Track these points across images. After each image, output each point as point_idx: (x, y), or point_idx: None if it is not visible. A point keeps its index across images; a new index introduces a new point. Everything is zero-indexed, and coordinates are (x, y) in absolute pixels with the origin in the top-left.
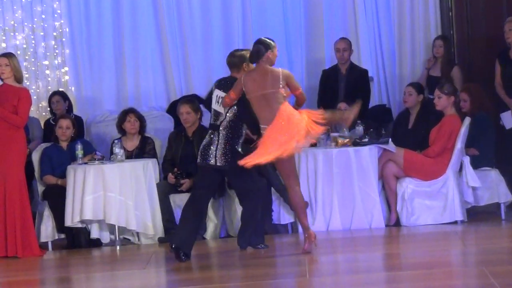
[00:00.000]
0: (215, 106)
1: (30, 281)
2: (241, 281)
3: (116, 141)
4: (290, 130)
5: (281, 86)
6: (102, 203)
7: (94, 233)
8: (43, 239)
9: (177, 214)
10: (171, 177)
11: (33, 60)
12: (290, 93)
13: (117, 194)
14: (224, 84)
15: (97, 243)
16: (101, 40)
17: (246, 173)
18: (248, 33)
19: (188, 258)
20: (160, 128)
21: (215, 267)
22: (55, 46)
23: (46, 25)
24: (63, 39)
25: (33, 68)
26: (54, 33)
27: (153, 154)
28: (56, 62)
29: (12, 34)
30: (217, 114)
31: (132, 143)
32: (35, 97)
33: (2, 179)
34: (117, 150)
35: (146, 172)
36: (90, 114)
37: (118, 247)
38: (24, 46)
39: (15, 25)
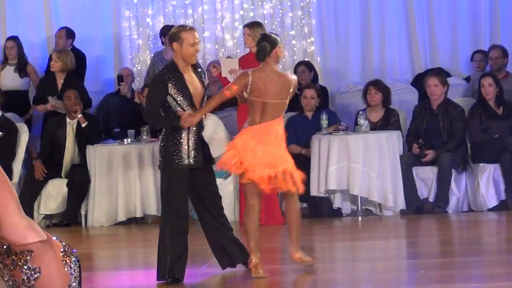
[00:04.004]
0: None
1: (273, 248)
2: (488, 255)
3: (361, 112)
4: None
5: (289, 97)
6: (346, 173)
7: (337, 203)
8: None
9: (420, 187)
10: (415, 147)
11: (279, 29)
12: None
13: (360, 165)
14: None
15: (339, 213)
16: (348, 11)
17: (167, 180)
18: (495, 4)
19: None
20: (404, 100)
21: (456, 241)
22: (302, 16)
23: None
24: (310, 10)
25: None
26: (302, 4)
27: (397, 126)
28: (302, 32)
29: (260, 3)
30: None
31: (377, 114)
32: (280, 66)
33: None
34: (361, 121)
35: (390, 144)
36: (334, 84)
37: (359, 218)
38: (271, 15)
39: None
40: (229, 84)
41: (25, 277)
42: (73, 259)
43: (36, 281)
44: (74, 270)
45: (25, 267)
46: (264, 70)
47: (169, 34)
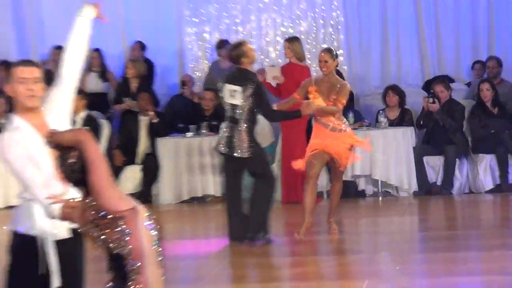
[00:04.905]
0: (229, 99)
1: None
2: (485, 229)
3: (381, 111)
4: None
5: None
6: (368, 161)
7: (361, 186)
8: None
9: (429, 173)
10: (425, 99)
11: (314, 43)
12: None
13: (380, 155)
14: (232, 78)
15: (363, 194)
16: (370, 28)
17: (265, 160)
18: (491, 21)
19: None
20: (416, 102)
21: (459, 217)
22: (332, 33)
23: (325, 15)
24: (339, 27)
25: (314, 51)
26: (332, 22)
27: (410, 123)
28: (332, 45)
29: (297, 22)
30: (233, 106)
31: (394, 113)
32: (314, 73)
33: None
34: (381, 118)
35: (405, 137)
36: (359, 88)
37: (380, 198)
38: (307, 32)
39: (300, 14)
40: (340, 99)
41: (117, 237)
42: (154, 222)
43: (126, 241)
44: (155, 231)
45: (118, 229)
46: None
47: (235, 52)
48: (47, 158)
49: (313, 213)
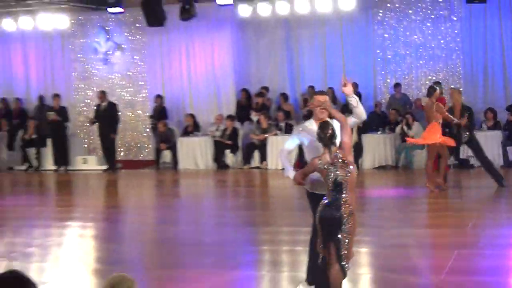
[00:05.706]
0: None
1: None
2: None
3: (483, 121)
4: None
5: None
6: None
7: (472, 161)
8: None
9: (510, 156)
10: (508, 114)
11: (446, 85)
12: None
13: (483, 145)
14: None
15: (472, 166)
16: (477, 75)
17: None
18: None
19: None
20: (502, 117)
21: None
22: (457, 79)
23: (453, 69)
24: (460, 76)
25: (446, 89)
26: (456, 73)
27: (499, 128)
28: (456, 86)
29: (438, 73)
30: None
31: (490, 122)
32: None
33: None
34: (483, 126)
35: (497, 136)
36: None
37: (482, 169)
38: (443, 79)
39: (439, 69)
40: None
41: (344, 173)
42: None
43: (348, 176)
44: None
45: (348, 169)
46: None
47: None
48: (313, 139)
49: (434, 176)
